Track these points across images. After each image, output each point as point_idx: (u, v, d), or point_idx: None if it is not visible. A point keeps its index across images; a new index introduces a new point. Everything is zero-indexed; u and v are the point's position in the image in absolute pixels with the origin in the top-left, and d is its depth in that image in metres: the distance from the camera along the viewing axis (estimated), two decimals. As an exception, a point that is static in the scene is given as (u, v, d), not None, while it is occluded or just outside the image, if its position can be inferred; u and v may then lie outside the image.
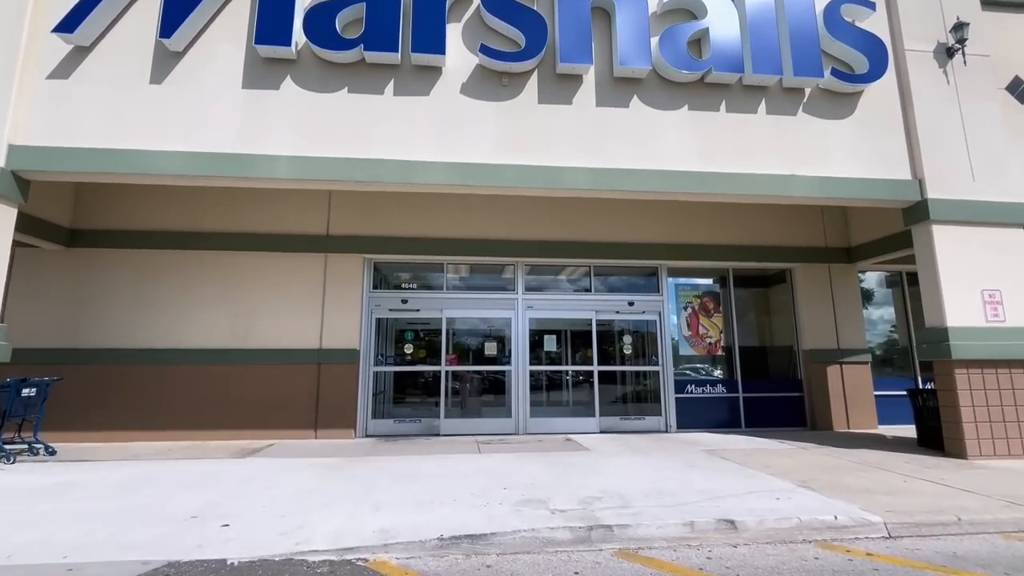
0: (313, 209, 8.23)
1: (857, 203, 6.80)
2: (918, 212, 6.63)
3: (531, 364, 8.38)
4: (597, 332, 8.59)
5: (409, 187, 6.04)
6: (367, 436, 7.87)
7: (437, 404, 8.11)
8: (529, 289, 8.66)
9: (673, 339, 8.72)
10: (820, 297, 8.95)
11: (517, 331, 8.40)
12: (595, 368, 8.46)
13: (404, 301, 8.33)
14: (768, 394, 8.76)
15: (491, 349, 8.54)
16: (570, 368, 8.81)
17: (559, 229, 8.59)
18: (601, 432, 8.21)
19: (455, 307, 8.43)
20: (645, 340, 8.94)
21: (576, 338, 9.04)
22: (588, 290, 8.76)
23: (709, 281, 9.11)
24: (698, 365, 8.94)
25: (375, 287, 8.41)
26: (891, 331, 9.71)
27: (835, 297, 8.98)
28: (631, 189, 6.22)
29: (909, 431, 8.25)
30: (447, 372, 8.22)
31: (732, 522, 3.72)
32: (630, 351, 8.76)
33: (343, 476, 5.22)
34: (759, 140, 6.60)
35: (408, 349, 8.37)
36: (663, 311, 8.74)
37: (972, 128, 6.84)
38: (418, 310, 8.37)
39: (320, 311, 7.97)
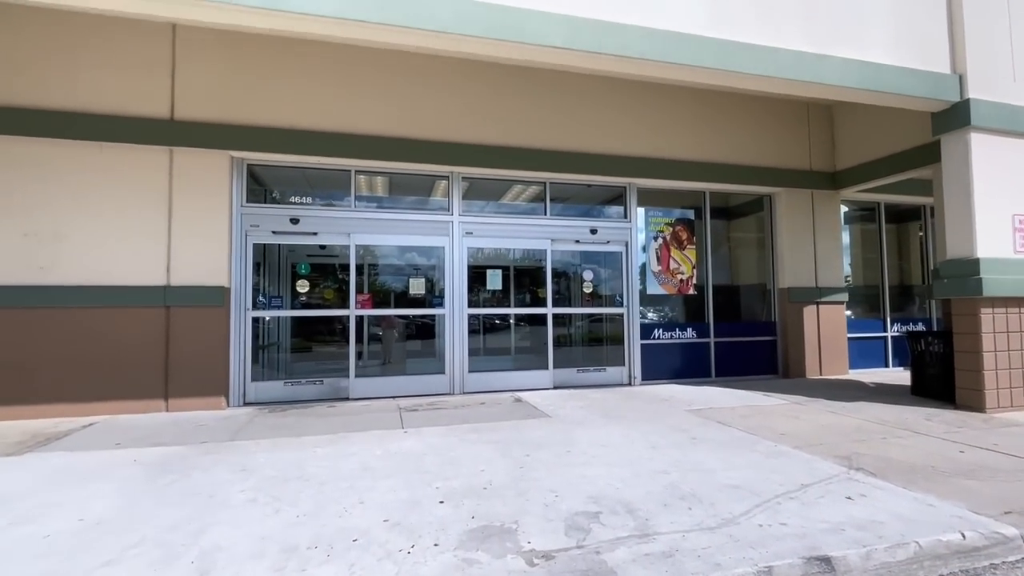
0: (148, 77, 5.53)
1: (891, 100, 5.39)
2: (955, 116, 5.36)
3: (470, 307, 6.56)
4: (552, 266, 6.87)
5: (279, 16, 3.68)
6: (246, 404, 5.77)
7: (346, 359, 6.11)
8: (468, 211, 6.68)
9: (640, 275, 7.24)
10: (801, 228, 7.81)
11: (452, 264, 6.47)
12: (549, 310, 6.82)
13: (295, 221, 6.04)
14: (741, 339, 7.67)
15: (418, 288, 6.58)
16: (518, 311, 7.11)
17: (507, 132, 6.57)
18: (556, 388, 6.70)
19: (369, 231, 6.28)
20: (608, 277, 7.40)
21: (525, 275, 7.31)
22: (543, 214, 6.94)
23: (683, 209, 7.61)
24: (667, 306, 7.60)
25: (251, 201, 6.01)
26: (849, 269, 8.94)
27: (816, 228, 7.88)
28: (623, 54, 4.32)
29: (885, 376, 7.58)
30: (358, 317, 6.19)
31: (827, 560, 2.25)
32: (590, 290, 7.18)
33: (174, 486, 3.20)
34: (784, 2, 4.90)
35: (303, 287, 6.18)
36: (631, 240, 7.17)
37: (1016, 18, 5.58)
38: (316, 234, 6.12)
39: (166, 232, 5.51)
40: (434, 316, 6.68)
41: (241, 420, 5.02)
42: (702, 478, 3.25)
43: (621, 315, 7.14)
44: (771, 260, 7.90)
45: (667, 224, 7.43)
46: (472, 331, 6.69)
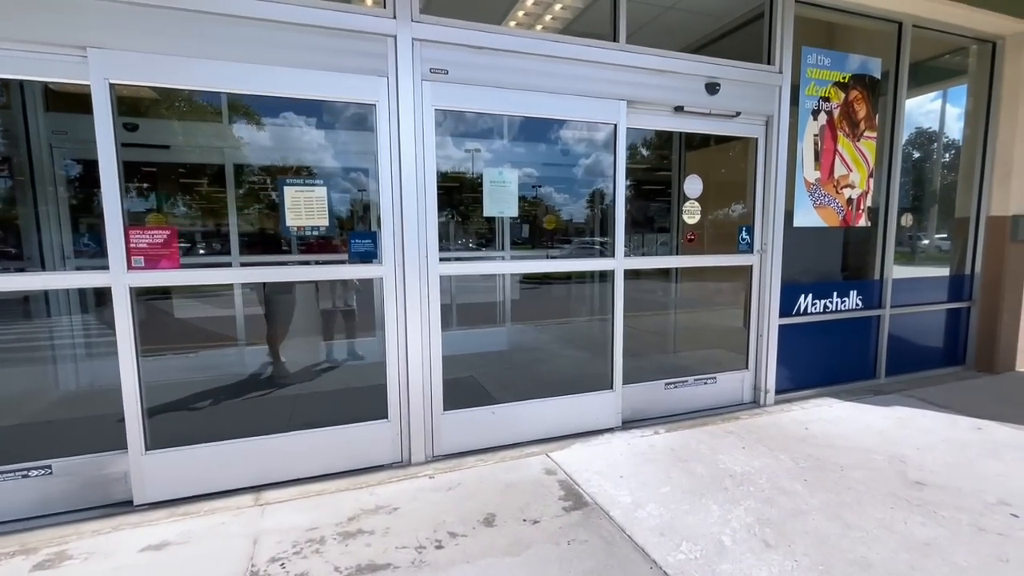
0: None
1: None
2: None
3: (443, 256, 2.77)
4: (622, 162, 3.11)
5: None
6: None
7: (121, 407, 2.30)
8: (435, 18, 2.67)
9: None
10: (1045, 106, 4.31)
11: (396, 154, 2.59)
12: (618, 263, 3.12)
13: None
14: (922, 307, 4.36)
15: (315, 212, 2.66)
16: (549, 266, 3.40)
17: None
18: (628, 424, 3.19)
19: (143, 39, 2.22)
20: (716, 193, 3.76)
21: (557, 188, 3.56)
22: (612, 40, 3.03)
23: (863, 58, 3.87)
24: (815, 249, 4.08)
25: None
26: None
27: (1064, 109, 4.41)
28: None
29: None
30: (131, 289, 2.30)
31: None
32: (694, 219, 3.48)
33: None
34: None
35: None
36: (777, 112, 3.45)
37: None
38: (-31, 41, 2.03)
39: None
40: (363, 279, 2.88)
41: None
42: None
43: (748, 269, 3.57)
44: (980, 169, 4.42)
45: (836, 84, 3.72)
46: (445, 306, 2.99)
